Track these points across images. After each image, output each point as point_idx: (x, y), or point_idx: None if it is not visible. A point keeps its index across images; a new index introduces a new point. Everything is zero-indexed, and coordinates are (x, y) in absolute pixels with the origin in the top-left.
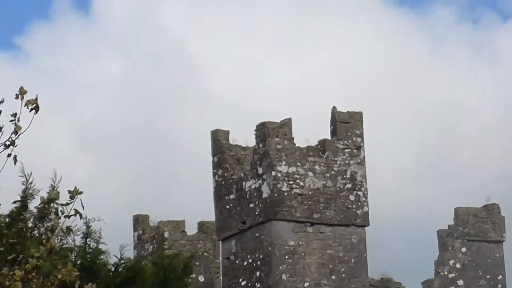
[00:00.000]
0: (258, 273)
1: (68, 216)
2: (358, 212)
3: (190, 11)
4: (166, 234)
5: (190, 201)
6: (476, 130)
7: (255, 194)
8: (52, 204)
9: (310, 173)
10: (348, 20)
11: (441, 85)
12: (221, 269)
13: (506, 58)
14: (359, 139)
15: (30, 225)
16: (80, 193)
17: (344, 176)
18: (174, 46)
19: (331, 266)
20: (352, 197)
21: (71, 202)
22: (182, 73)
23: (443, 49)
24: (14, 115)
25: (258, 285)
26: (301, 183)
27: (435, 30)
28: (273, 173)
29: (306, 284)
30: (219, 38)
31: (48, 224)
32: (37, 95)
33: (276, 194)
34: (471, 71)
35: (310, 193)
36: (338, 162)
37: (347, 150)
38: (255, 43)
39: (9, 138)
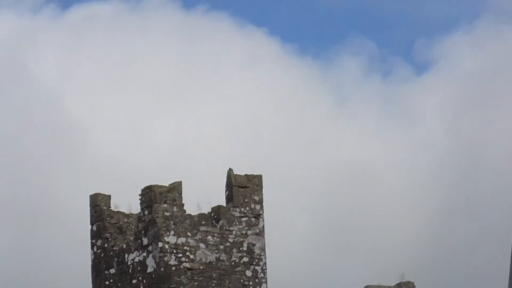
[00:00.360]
0: None
1: None
2: None
3: (63, 60)
4: None
5: (65, 276)
6: (388, 197)
7: (138, 268)
8: None
9: (202, 245)
10: (244, 69)
11: (348, 145)
12: None
13: (421, 115)
14: (258, 206)
15: None
16: None
17: (241, 249)
18: (45, 98)
19: None
20: (249, 273)
21: None
22: (54, 129)
23: (350, 104)
24: None
25: None
26: (192, 256)
27: (342, 83)
28: (160, 244)
29: None
30: (96, 90)
31: None
32: None
33: (162, 269)
34: (381, 129)
35: (202, 267)
36: (234, 232)
37: (244, 219)
38: (136, 95)
39: None
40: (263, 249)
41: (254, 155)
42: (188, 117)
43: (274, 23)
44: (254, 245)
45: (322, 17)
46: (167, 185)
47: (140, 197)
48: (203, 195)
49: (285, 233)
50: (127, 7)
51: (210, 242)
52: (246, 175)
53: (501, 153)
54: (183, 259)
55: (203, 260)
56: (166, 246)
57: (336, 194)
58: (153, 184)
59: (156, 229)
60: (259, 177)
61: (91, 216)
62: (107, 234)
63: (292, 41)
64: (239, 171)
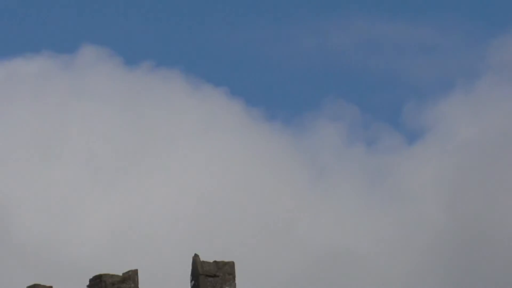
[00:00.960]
0: None
1: None
2: None
3: None
4: None
5: None
6: (376, 286)
7: None
8: None
9: None
10: (201, 138)
11: (326, 226)
12: None
13: (412, 190)
14: None
15: None
16: None
17: None
18: None
19: None
20: None
21: None
22: None
23: (328, 179)
24: None
25: None
26: None
27: (317, 154)
28: None
29: None
30: (20, 164)
31: None
32: None
33: None
34: (366, 208)
35: None
36: None
37: None
38: (72, 169)
39: None
40: None
41: (221, 238)
42: (136, 194)
43: (235, 82)
44: None
45: (293, 76)
46: (121, 274)
47: None
48: (163, 287)
49: None
50: (57, 64)
51: None
52: (215, 261)
53: (506, 232)
54: None
55: None
56: None
57: (316, 283)
58: (103, 273)
59: None
60: (231, 264)
61: None
62: None
63: (258, 104)
64: (206, 257)
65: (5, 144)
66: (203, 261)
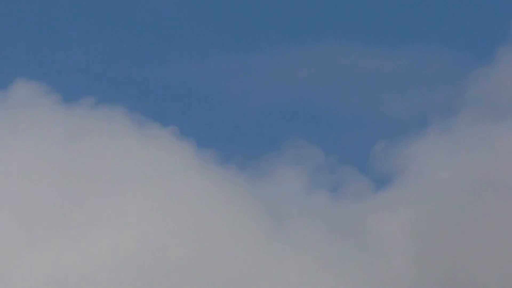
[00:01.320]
0: None
1: None
2: None
3: None
4: None
5: None
6: None
7: None
8: None
9: None
10: (146, 184)
11: (288, 280)
12: None
13: (381, 241)
14: None
15: None
16: None
17: None
18: None
19: None
20: None
21: None
22: None
23: (288, 229)
24: None
25: None
26: None
27: (277, 201)
28: None
29: None
30: None
31: None
32: None
33: None
34: (330, 260)
35: None
36: None
37: None
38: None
39: None
40: None
41: None
42: (75, 247)
43: (185, 121)
44: None
45: (251, 115)
46: None
47: None
48: None
49: None
50: None
51: None
52: None
53: None
54: None
55: None
56: None
57: None
58: None
59: None
60: None
61: None
62: None
63: (211, 146)
64: None
65: None
66: None
